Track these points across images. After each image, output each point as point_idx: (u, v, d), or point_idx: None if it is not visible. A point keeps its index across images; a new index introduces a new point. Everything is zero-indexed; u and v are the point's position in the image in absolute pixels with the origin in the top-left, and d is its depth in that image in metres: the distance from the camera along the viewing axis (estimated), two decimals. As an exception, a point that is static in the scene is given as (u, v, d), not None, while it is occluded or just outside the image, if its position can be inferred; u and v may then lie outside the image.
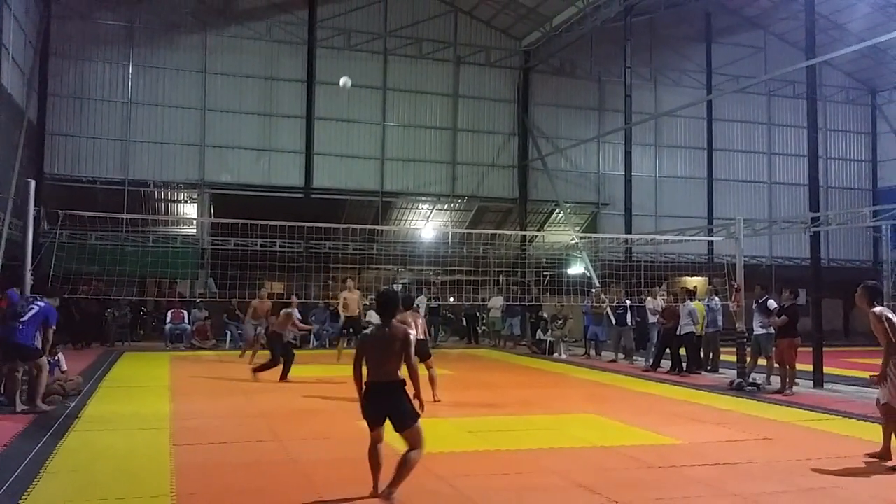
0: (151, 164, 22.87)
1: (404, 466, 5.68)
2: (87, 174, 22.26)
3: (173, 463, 6.89)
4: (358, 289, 17.25)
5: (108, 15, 22.60)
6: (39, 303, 9.80)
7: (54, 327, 9.89)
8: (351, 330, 16.55)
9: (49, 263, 13.12)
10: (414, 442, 5.73)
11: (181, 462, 6.93)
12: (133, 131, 22.80)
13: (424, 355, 10.45)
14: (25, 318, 9.48)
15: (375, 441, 5.88)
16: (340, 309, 16.86)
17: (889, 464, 7.15)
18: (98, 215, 14.47)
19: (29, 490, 5.88)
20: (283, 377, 13.07)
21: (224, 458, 7.30)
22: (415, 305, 12.47)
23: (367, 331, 6.50)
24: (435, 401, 10.54)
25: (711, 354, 15.87)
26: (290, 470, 6.84)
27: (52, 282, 12.22)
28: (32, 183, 10.81)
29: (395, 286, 25.42)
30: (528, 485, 6.38)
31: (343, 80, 14.00)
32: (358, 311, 16.61)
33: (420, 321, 11.08)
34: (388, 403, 5.78)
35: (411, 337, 5.95)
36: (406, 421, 5.74)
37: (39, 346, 9.63)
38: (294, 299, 15.06)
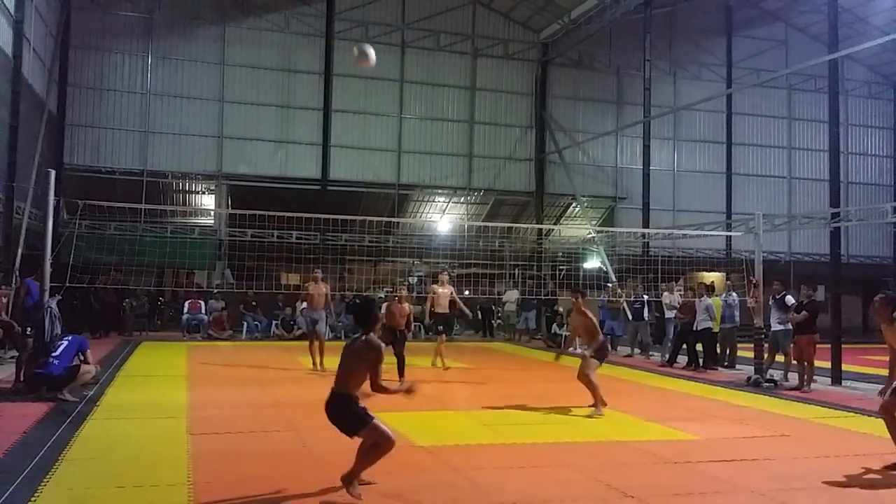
0: (170, 155, 23.00)
1: (363, 454, 5.64)
2: (107, 165, 22.42)
3: (190, 452, 6.94)
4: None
5: (127, 6, 22.72)
6: (68, 338, 10.05)
7: (89, 350, 10.19)
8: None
9: (68, 253, 13.20)
10: (372, 440, 5.65)
11: (198, 451, 6.97)
12: (152, 122, 22.93)
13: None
14: (57, 353, 9.70)
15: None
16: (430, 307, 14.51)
17: None
18: (116, 205, 14.56)
19: (48, 477, 5.93)
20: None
21: (240, 447, 7.34)
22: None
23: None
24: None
25: (728, 350, 15.77)
26: (306, 459, 6.87)
27: (70, 271, 12.32)
28: (52, 173, 10.89)
29: (411, 279, 25.46)
30: (544, 478, 6.36)
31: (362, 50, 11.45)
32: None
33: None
34: (330, 414, 5.81)
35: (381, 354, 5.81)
36: (351, 428, 5.70)
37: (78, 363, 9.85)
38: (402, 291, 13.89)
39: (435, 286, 14.46)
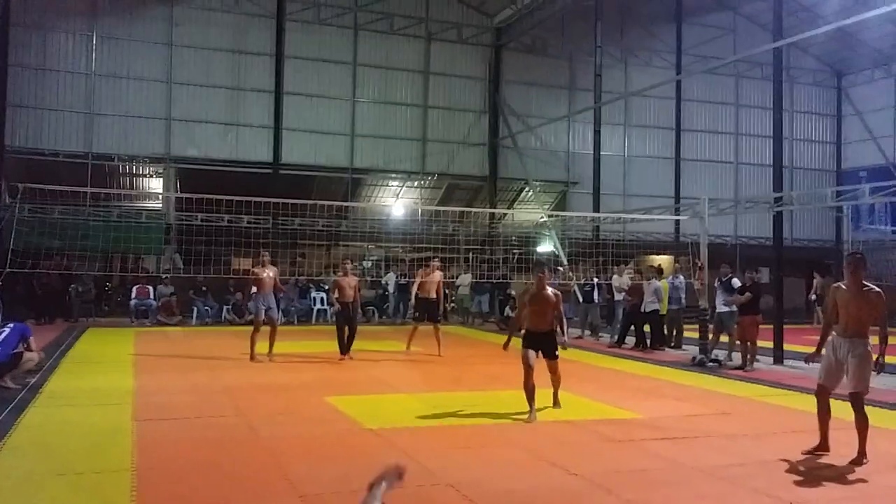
0: (116, 137, 22.46)
1: None
2: (50, 147, 21.79)
3: (134, 438, 6.87)
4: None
5: (70, -16, 22.04)
6: (10, 325, 9.88)
7: (32, 337, 10.02)
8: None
9: (10, 238, 12.86)
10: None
11: (143, 437, 6.90)
12: (97, 104, 22.34)
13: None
14: None
15: None
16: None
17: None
18: (60, 189, 14.20)
19: (-14, 465, 5.82)
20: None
21: (186, 433, 7.28)
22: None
23: None
24: None
25: (675, 331, 16.12)
26: (253, 445, 6.84)
27: (12, 256, 12.03)
28: (-9, 155, 10.56)
29: (365, 262, 25.41)
30: (489, 458, 6.46)
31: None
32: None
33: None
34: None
35: None
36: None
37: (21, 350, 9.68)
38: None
39: (424, 271, 14.53)
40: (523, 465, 6.28)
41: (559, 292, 8.68)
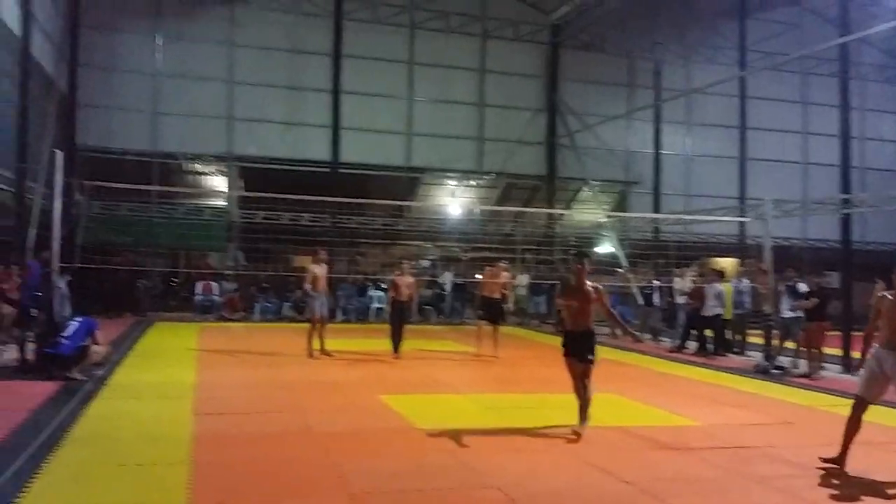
0: (180, 136, 23.05)
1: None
2: (118, 146, 22.46)
3: (193, 431, 7.01)
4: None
5: (137, -16, 22.68)
6: (78, 318, 10.22)
7: (99, 331, 10.34)
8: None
9: (81, 234, 13.32)
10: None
11: (201, 431, 7.04)
12: (162, 103, 22.97)
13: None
14: (67, 333, 9.84)
15: None
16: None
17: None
18: (124, 187, 14.61)
19: (52, 454, 6.02)
20: None
21: (244, 428, 7.41)
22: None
23: None
24: None
25: (738, 336, 15.69)
26: (308, 441, 6.92)
27: (82, 251, 12.44)
28: (60, 154, 10.94)
29: (422, 262, 25.50)
30: (537, 463, 6.38)
31: None
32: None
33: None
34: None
35: None
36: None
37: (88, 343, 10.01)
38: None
39: (489, 271, 14.53)
40: (572, 470, 6.19)
41: (599, 286, 7.61)
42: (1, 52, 15.67)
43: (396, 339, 13.23)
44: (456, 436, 7.13)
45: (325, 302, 13.05)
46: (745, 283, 15.55)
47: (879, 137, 29.65)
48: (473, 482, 5.60)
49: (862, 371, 6.47)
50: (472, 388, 10.41)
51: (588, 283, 7.49)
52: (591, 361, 7.44)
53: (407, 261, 14.16)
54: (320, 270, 13.03)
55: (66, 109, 21.29)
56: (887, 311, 6.21)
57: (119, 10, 22.56)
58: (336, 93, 23.65)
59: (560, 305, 7.78)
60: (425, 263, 25.54)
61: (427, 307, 22.14)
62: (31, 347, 10.31)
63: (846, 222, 14.59)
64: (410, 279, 13.56)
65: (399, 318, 13.29)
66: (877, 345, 6.33)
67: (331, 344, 13.35)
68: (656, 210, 21.45)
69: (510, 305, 23.34)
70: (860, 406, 6.36)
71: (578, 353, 7.43)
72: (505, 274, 14.43)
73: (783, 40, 26.93)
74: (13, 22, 16.34)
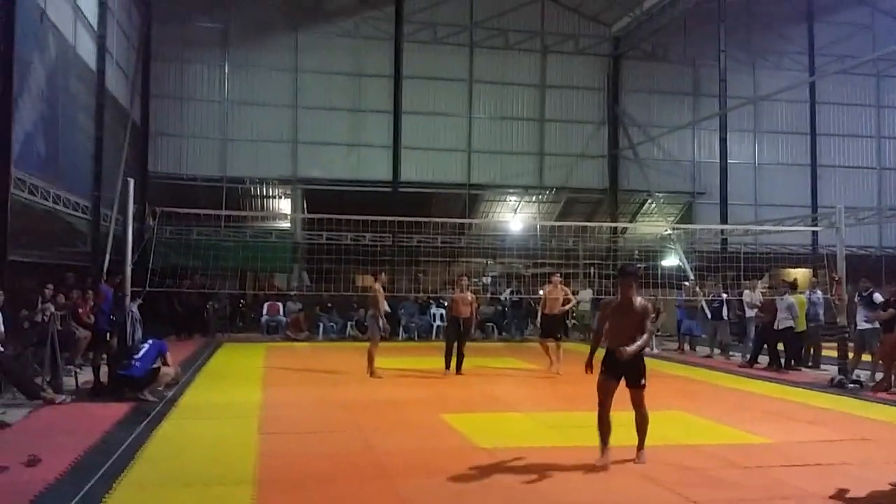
0: (247, 161, 23.71)
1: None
2: (189, 172, 23.25)
3: (258, 451, 7.12)
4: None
5: (204, 17, 23.52)
6: (149, 341, 10.55)
7: (169, 353, 10.65)
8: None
9: (152, 258, 13.76)
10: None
11: (266, 450, 7.15)
12: (230, 130, 23.69)
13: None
14: (139, 355, 10.17)
15: None
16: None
17: None
18: (194, 212, 15.06)
19: (123, 474, 6.19)
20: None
21: (306, 447, 7.49)
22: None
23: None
24: None
25: (812, 350, 15.14)
26: (367, 461, 6.93)
27: (153, 276, 12.84)
28: (131, 182, 11.36)
29: (484, 278, 25.46)
30: (603, 483, 6.25)
31: None
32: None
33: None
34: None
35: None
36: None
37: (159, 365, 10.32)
38: None
39: (548, 288, 14.27)
40: (639, 490, 6.04)
41: (649, 304, 6.93)
42: (78, 86, 16.40)
43: (449, 356, 13.15)
44: (519, 455, 7.04)
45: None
46: (819, 294, 15.02)
47: (959, 139, 28.33)
48: (537, 503, 5.50)
49: None
50: (534, 407, 10.29)
51: (638, 299, 6.80)
52: (643, 386, 6.87)
53: (465, 277, 14.10)
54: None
55: (139, 138, 22.17)
56: None
57: (188, 43, 23.41)
58: (396, 113, 23.90)
59: (603, 322, 7.01)
60: (487, 280, 25.49)
61: (489, 324, 22.03)
62: (104, 370, 10.65)
63: (925, 229, 13.94)
64: (469, 296, 13.42)
65: (457, 336, 13.20)
66: None
67: (392, 363, 13.43)
68: (724, 221, 20.89)
69: (570, 320, 23.19)
70: None
71: (628, 377, 6.77)
72: (559, 289, 14.01)
73: (853, 42, 26.12)
74: (89, 57, 17.12)
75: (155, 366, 10.22)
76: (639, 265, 24.22)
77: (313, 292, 20.34)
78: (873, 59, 24.34)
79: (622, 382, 6.82)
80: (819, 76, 25.38)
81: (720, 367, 15.27)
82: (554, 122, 25.79)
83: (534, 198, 26.49)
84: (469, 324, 13.33)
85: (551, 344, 13.87)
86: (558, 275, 14.71)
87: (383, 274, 13.60)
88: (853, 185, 26.83)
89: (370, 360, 12.79)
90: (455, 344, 13.13)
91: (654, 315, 17.59)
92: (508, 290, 22.65)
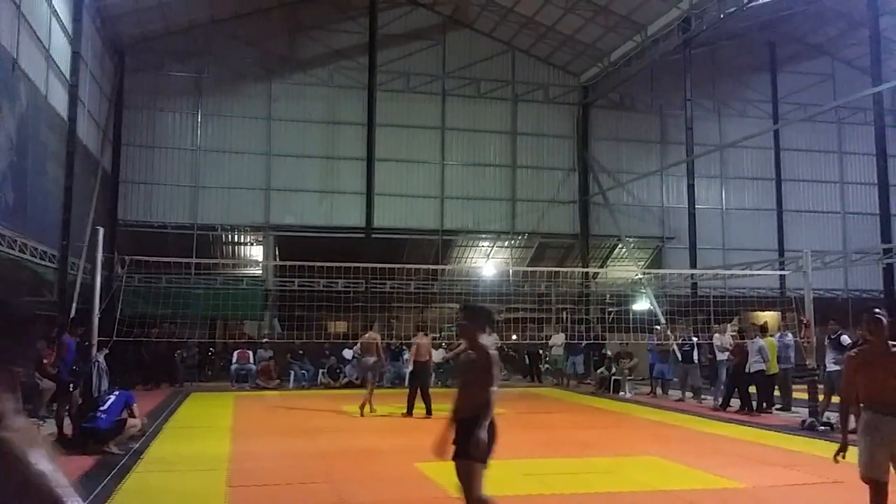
0: (219, 208, 23.64)
1: None
2: (159, 220, 23.09)
3: (226, 505, 6.95)
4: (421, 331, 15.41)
5: (178, 67, 23.62)
6: (115, 392, 10.32)
7: (136, 404, 10.43)
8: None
9: (120, 307, 13.56)
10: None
11: (234, 504, 6.98)
12: (201, 177, 23.63)
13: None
14: (104, 407, 9.94)
15: None
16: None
17: None
18: (164, 260, 14.92)
19: (85, 531, 6.01)
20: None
21: (277, 500, 7.34)
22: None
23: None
24: None
25: (785, 392, 15.24)
26: (340, 513, 6.80)
27: (120, 325, 12.63)
28: (101, 230, 11.25)
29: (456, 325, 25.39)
30: (579, 531, 6.19)
31: None
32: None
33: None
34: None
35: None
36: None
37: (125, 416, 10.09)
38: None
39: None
40: (615, 538, 5.98)
41: (493, 351, 5.17)
42: (48, 135, 16.32)
43: (413, 400, 13.66)
44: (493, 504, 6.95)
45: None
46: (790, 336, 15.19)
47: (920, 184, 29.10)
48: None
49: (859, 446, 5.17)
50: (510, 454, 10.13)
51: (482, 345, 5.19)
52: (468, 460, 5.01)
53: (423, 323, 14.81)
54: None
55: (109, 186, 22.03)
56: (865, 368, 5.18)
57: (161, 91, 23.48)
58: (370, 160, 24.00)
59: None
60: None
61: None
62: (68, 422, 10.40)
63: (889, 272, 14.25)
64: (427, 340, 14.20)
65: (422, 380, 13.76)
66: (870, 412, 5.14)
67: (368, 410, 13.49)
68: (693, 265, 21.17)
69: (543, 364, 23.15)
70: (878, 491, 5.14)
71: (456, 445, 5.04)
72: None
73: (816, 91, 26.96)
74: (61, 106, 17.07)
75: (121, 417, 9.99)
76: (613, 311, 24.57)
77: (284, 340, 20.12)
78: (834, 108, 25.08)
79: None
80: (783, 124, 26.08)
81: (692, 411, 15.29)
82: (525, 168, 26.12)
83: (506, 243, 26.66)
84: (427, 369, 14.04)
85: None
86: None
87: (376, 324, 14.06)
88: (818, 230, 27.37)
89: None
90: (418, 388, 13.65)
91: (627, 359, 17.70)
92: (488, 337, 22.45)
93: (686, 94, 21.75)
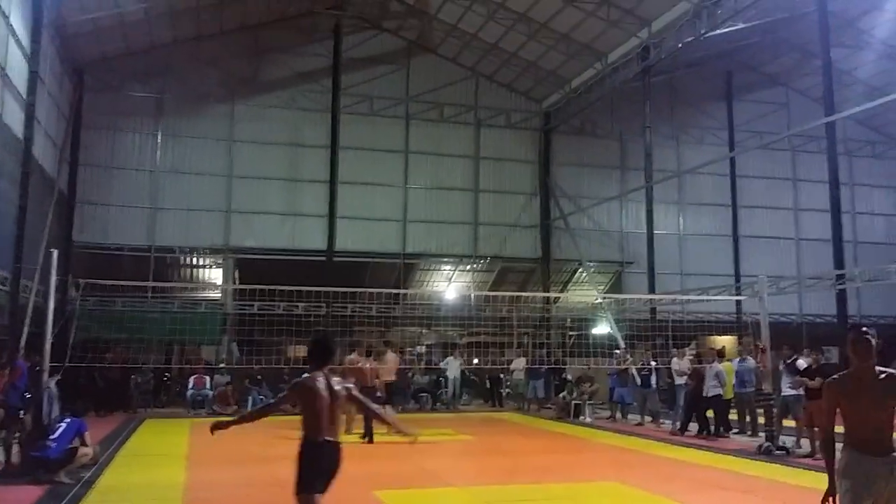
0: (177, 230, 23.27)
1: None
2: (115, 241, 22.64)
3: (179, 537, 6.78)
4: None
5: (138, 87, 23.32)
6: (66, 419, 10.04)
7: (88, 432, 10.13)
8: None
9: (73, 331, 13.25)
10: None
11: (187, 536, 6.82)
12: (160, 199, 23.28)
13: None
14: (55, 435, 9.68)
15: None
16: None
17: None
18: (121, 283, 14.66)
19: (30, 567, 5.81)
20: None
21: (231, 531, 7.17)
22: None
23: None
24: None
25: (748, 417, 15.36)
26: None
27: (73, 350, 12.34)
28: (55, 253, 11.00)
29: (419, 348, 25.30)
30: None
31: None
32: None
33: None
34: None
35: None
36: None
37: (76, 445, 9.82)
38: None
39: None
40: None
41: (350, 385, 5.80)
42: (3, 154, 15.95)
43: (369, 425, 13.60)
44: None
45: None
46: (750, 361, 15.30)
47: (870, 211, 29.96)
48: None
49: (839, 490, 4.45)
50: (470, 481, 10.14)
51: (340, 379, 5.66)
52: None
53: (359, 347, 15.29)
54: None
55: (65, 207, 21.60)
56: (847, 397, 4.49)
57: (120, 111, 23.11)
58: (333, 183, 23.82)
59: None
60: (422, 349, 25.36)
61: (423, 394, 21.80)
62: (16, 450, 10.09)
63: (842, 297, 14.59)
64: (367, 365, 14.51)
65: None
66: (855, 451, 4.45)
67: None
68: (651, 290, 21.42)
69: (504, 389, 23.13)
70: None
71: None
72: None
73: (771, 119, 27.66)
74: (17, 125, 16.71)
75: (72, 446, 9.72)
76: (573, 335, 24.69)
77: (243, 365, 19.80)
78: (789, 136, 25.72)
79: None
80: (739, 151, 26.65)
81: (652, 436, 15.40)
82: (488, 192, 26.26)
83: (468, 267, 26.70)
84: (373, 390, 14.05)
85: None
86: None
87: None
88: (773, 255, 27.90)
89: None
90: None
91: (588, 383, 17.81)
92: (455, 360, 22.32)
93: (645, 120, 22.12)
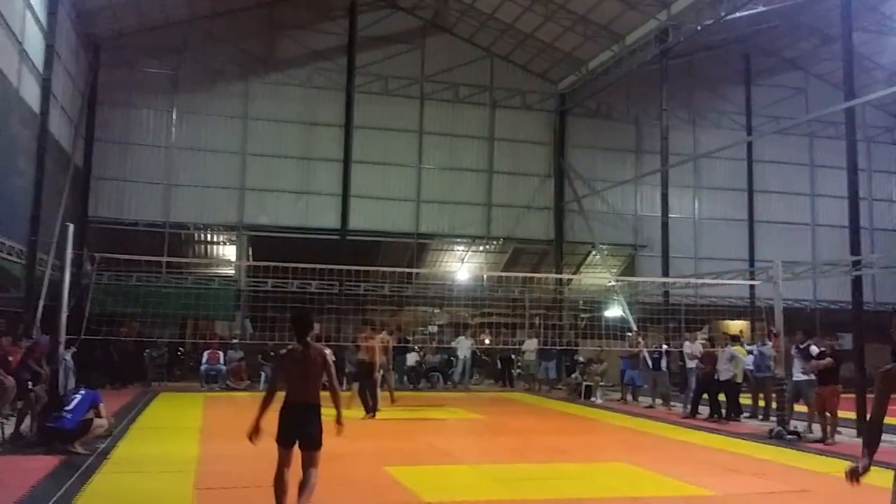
0: (192, 206, 23.37)
1: (306, 486, 6.18)
2: (130, 217, 22.78)
3: (194, 508, 6.87)
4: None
5: (153, 63, 23.32)
6: (81, 391, 10.11)
7: (102, 404, 10.20)
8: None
9: (89, 304, 13.35)
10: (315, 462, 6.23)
11: (201, 507, 6.90)
12: (175, 175, 23.35)
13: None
14: (70, 406, 9.75)
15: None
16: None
17: None
18: (135, 258, 14.71)
19: (48, 533, 5.90)
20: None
21: (245, 503, 7.25)
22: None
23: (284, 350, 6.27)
24: None
25: (763, 402, 15.32)
26: (310, 517, 6.73)
27: (89, 323, 12.43)
28: (71, 227, 11.05)
29: (431, 328, 25.38)
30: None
31: None
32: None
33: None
34: (305, 422, 6.12)
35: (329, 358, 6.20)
36: (319, 441, 6.18)
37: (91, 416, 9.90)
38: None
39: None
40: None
41: (328, 352, 6.50)
42: (19, 129, 16.04)
43: (365, 399, 14.03)
44: (462, 509, 6.95)
45: None
46: (769, 345, 15.15)
47: (888, 198, 29.67)
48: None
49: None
50: (480, 459, 10.19)
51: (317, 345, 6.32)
52: (318, 447, 6.37)
53: (370, 324, 15.69)
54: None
55: (80, 182, 21.71)
56: None
57: (136, 87, 23.16)
58: (346, 162, 23.92)
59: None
60: (434, 329, 25.43)
61: (434, 373, 21.90)
62: (27, 421, 10.22)
63: (857, 284, 14.45)
64: (374, 342, 14.50)
65: (362, 379, 14.30)
66: None
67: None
68: (665, 273, 21.33)
69: (515, 369, 23.18)
70: None
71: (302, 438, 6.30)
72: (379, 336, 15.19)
73: (789, 104, 27.33)
74: (33, 100, 16.79)
75: (87, 417, 9.82)
76: (585, 317, 24.67)
77: (256, 340, 19.93)
78: (807, 121, 25.45)
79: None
80: (756, 136, 26.40)
81: (662, 418, 15.42)
82: (502, 174, 26.18)
83: (481, 248, 26.69)
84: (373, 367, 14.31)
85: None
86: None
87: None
88: (789, 241, 27.66)
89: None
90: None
91: (598, 364, 17.83)
92: (466, 340, 22.44)
93: (662, 104, 21.92)
